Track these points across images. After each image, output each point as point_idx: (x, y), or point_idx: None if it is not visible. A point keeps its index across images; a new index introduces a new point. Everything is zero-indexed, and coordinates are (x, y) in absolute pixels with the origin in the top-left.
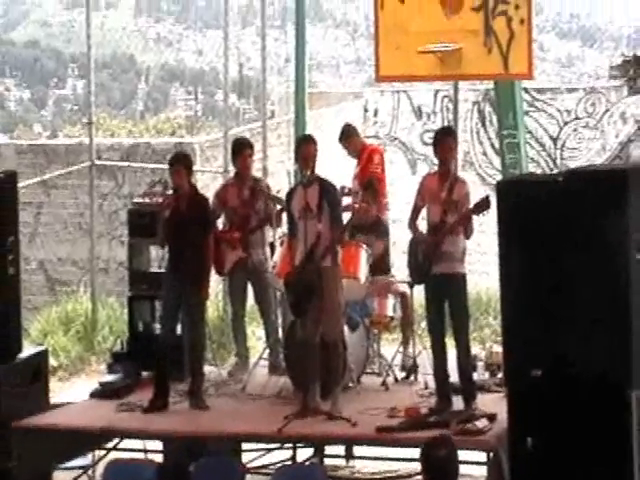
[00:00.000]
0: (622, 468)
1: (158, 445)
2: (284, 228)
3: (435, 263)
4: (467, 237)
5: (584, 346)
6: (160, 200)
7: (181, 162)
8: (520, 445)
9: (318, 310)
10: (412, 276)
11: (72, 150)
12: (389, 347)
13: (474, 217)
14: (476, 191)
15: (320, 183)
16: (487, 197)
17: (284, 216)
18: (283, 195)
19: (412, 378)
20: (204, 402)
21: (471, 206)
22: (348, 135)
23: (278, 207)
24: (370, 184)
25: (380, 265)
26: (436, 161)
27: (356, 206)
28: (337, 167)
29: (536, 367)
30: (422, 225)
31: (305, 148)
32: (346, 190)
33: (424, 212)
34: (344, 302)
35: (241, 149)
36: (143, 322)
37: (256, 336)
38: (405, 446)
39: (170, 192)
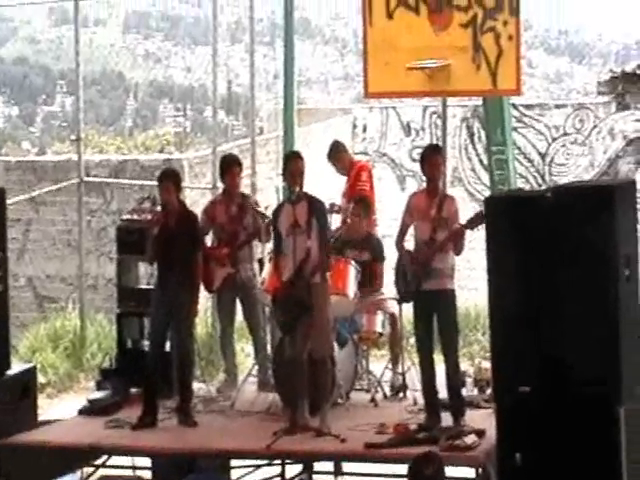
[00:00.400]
0: None
1: (147, 462)
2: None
3: (424, 280)
4: (457, 253)
5: (573, 362)
6: (149, 217)
7: (170, 178)
8: (509, 461)
9: (307, 326)
10: (400, 294)
11: (60, 167)
12: (378, 363)
13: (465, 234)
14: (465, 207)
15: (309, 200)
16: (481, 212)
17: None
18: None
19: (401, 394)
20: (193, 419)
21: (464, 221)
22: (337, 152)
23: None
24: (362, 199)
25: (372, 281)
26: (425, 178)
27: (348, 221)
28: (325, 183)
29: (525, 383)
30: (408, 243)
31: (293, 164)
32: (335, 207)
33: (412, 230)
34: (333, 318)
35: (230, 166)
36: (132, 339)
37: (245, 352)
38: (394, 462)
39: (159, 208)
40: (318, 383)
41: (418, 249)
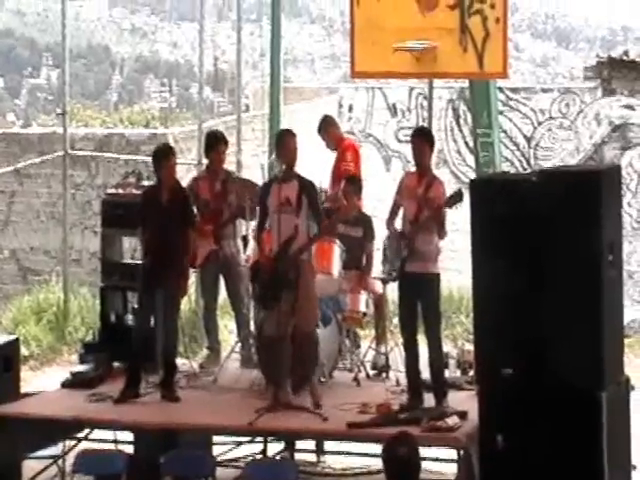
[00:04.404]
0: (592, 466)
1: (129, 436)
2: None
3: (409, 261)
4: (441, 237)
5: (556, 345)
6: (134, 191)
7: (174, 155)
8: (490, 443)
9: (290, 303)
10: (386, 273)
11: (46, 139)
12: (361, 343)
13: (447, 216)
14: (450, 189)
15: (299, 179)
16: (459, 190)
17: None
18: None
19: (384, 375)
20: (176, 394)
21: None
22: (327, 126)
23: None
24: (352, 178)
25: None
26: (410, 158)
27: (343, 202)
28: (311, 162)
29: (507, 366)
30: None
31: (287, 142)
32: (323, 191)
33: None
34: (318, 296)
35: (216, 144)
36: (115, 313)
37: (228, 329)
38: (376, 442)
39: (144, 183)
40: (304, 358)
41: (404, 229)
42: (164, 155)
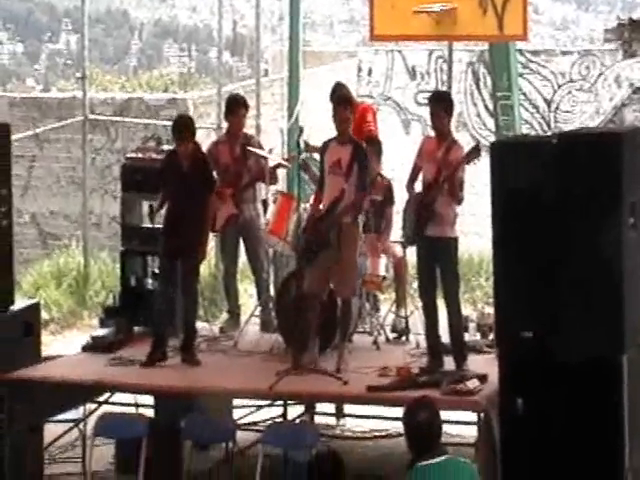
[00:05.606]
0: (612, 429)
1: (149, 400)
2: (277, 186)
3: (427, 225)
4: (458, 201)
5: (576, 308)
6: (153, 156)
7: (190, 130)
8: (510, 406)
9: (326, 264)
10: (406, 236)
11: (65, 104)
12: (381, 307)
13: (464, 180)
14: None
15: (354, 145)
16: (477, 145)
17: (278, 173)
18: (275, 152)
19: (404, 338)
20: (196, 358)
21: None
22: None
23: (272, 163)
24: (372, 139)
25: (379, 223)
26: (429, 122)
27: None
28: (331, 127)
29: (527, 329)
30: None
31: (340, 112)
32: None
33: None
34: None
35: (236, 108)
36: (135, 277)
37: (248, 293)
38: (395, 405)
39: (164, 147)
40: (340, 323)
41: (423, 190)
42: (184, 129)
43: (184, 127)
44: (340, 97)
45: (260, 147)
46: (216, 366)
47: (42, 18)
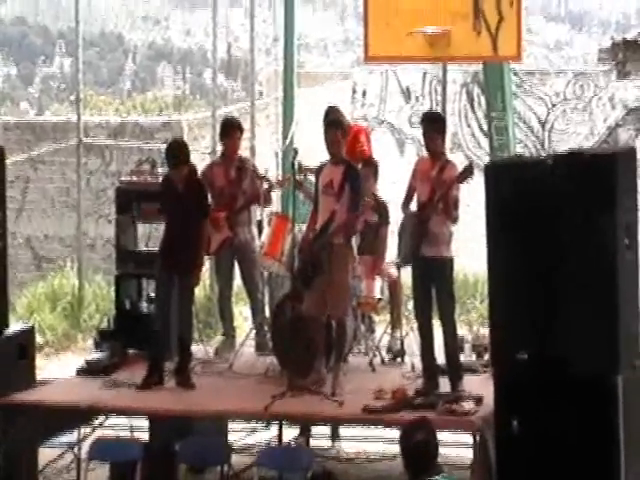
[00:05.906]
0: (608, 450)
1: (144, 423)
2: (272, 208)
3: (423, 245)
4: (452, 220)
5: (571, 329)
6: (148, 179)
7: (184, 160)
8: (506, 427)
9: (320, 286)
10: (402, 256)
11: (60, 127)
12: (376, 328)
13: (459, 199)
14: None
15: (346, 166)
16: (470, 164)
17: (273, 195)
18: (270, 175)
19: (399, 359)
20: (191, 380)
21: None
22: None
23: (265, 186)
24: (368, 161)
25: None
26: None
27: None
28: (323, 148)
29: (522, 349)
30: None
31: (330, 135)
32: None
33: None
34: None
35: (231, 131)
36: (130, 300)
37: (243, 316)
38: (391, 427)
39: (159, 171)
40: (335, 344)
41: (418, 211)
42: (179, 153)
43: (178, 151)
44: (331, 120)
45: (255, 170)
46: (211, 388)
47: (36, 41)
